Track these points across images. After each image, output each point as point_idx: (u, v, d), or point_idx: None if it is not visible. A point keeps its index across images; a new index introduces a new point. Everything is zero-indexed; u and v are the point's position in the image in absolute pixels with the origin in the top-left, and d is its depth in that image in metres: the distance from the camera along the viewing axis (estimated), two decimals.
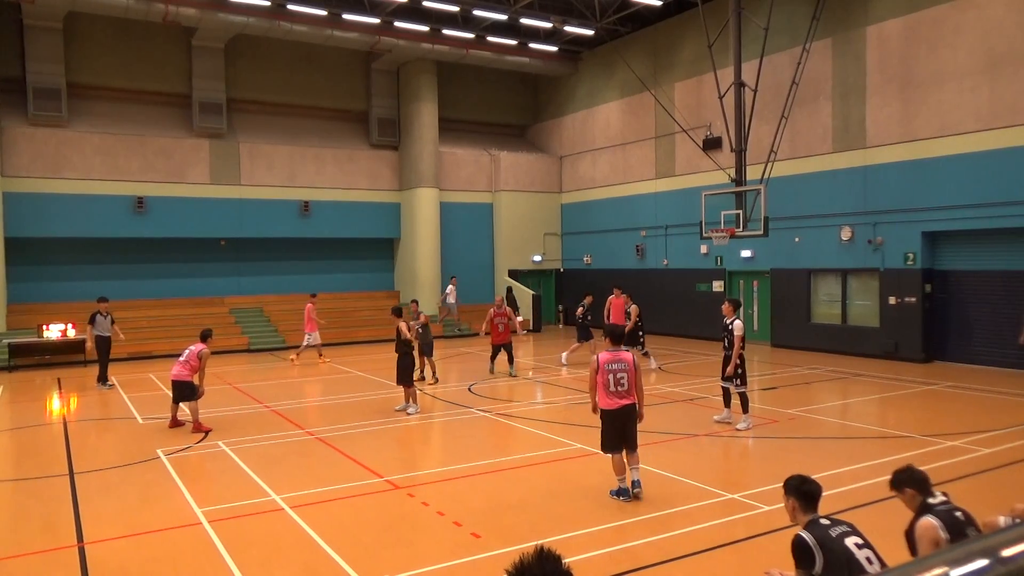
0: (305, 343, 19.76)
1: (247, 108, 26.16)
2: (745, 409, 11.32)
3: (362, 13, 23.32)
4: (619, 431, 7.93)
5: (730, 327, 11.32)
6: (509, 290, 27.36)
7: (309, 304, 19.97)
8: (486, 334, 17.57)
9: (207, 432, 11.47)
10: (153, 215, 23.53)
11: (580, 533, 7.02)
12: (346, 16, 23.39)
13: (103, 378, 16.31)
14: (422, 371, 15.88)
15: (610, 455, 8.04)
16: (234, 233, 24.99)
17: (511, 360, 17.18)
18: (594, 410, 8.20)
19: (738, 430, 11.14)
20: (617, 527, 7.17)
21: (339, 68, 27.33)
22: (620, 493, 7.98)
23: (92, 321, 16.29)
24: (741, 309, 11.95)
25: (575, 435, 10.93)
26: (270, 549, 6.78)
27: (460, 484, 8.75)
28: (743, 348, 11.29)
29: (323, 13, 22.96)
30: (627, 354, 8.06)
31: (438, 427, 12.60)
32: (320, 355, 19.92)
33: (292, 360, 19.76)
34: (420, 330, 15.65)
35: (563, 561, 2.31)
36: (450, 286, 25.75)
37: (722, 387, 11.63)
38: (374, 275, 28.42)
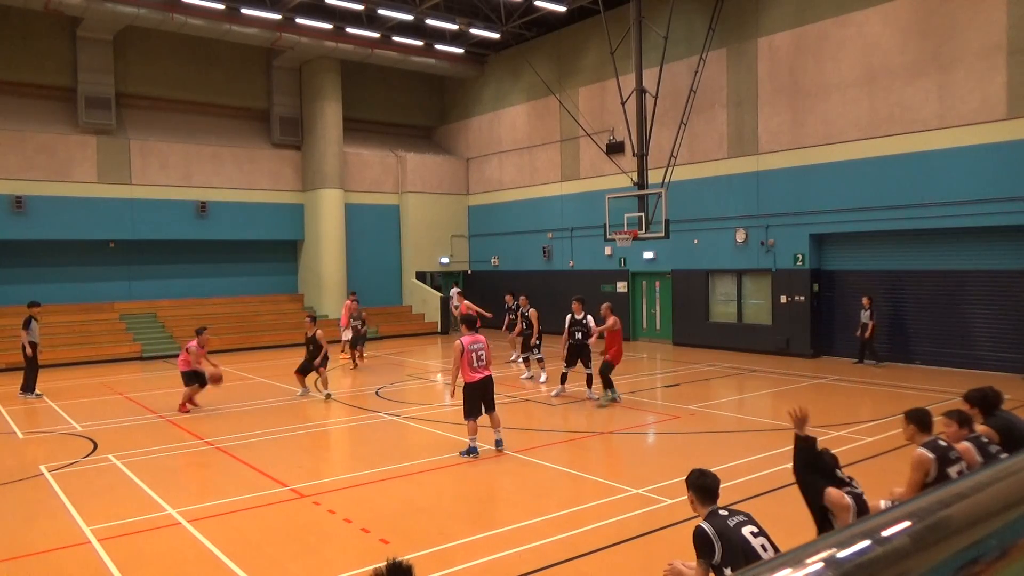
0: (344, 338, 19.87)
1: (138, 104, 24.89)
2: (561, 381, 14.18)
3: (262, 8, 22.62)
4: (480, 398, 9.79)
5: (583, 321, 13.66)
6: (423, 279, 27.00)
7: (347, 301, 20.02)
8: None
9: (186, 411, 13.30)
10: (33, 215, 22.02)
11: (490, 534, 7.04)
12: (245, 11, 22.63)
13: (31, 388, 15.27)
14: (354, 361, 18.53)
15: (469, 421, 9.78)
16: (124, 235, 23.71)
17: (606, 383, 13.34)
18: (452, 394, 10.16)
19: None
20: (526, 526, 7.23)
21: (239, 64, 26.40)
22: (470, 452, 9.76)
23: (27, 326, 15.17)
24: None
25: (483, 437, 10.94)
26: (167, 567, 6.48)
27: (367, 490, 8.61)
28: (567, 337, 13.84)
29: (220, 7, 22.10)
30: (481, 336, 10.07)
31: (344, 433, 12.36)
32: (343, 351, 19.93)
33: (345, 358, 19.83)
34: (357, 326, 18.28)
35: (413, 572, 2.40)
36: (454, 289, 26.16)
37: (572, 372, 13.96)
38: (276, 278, 27.59)
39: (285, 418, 12.84)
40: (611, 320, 13.31)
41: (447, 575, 6.09)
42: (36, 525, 7.57)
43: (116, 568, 6.37)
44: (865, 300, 17.11)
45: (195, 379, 13.48)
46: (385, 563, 2.47)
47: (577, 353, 13.63)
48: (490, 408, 9.96)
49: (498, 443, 10.03)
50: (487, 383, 9.88)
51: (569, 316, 13.68)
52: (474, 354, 9.78)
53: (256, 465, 9.70)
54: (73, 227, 22.72)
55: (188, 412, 13.33)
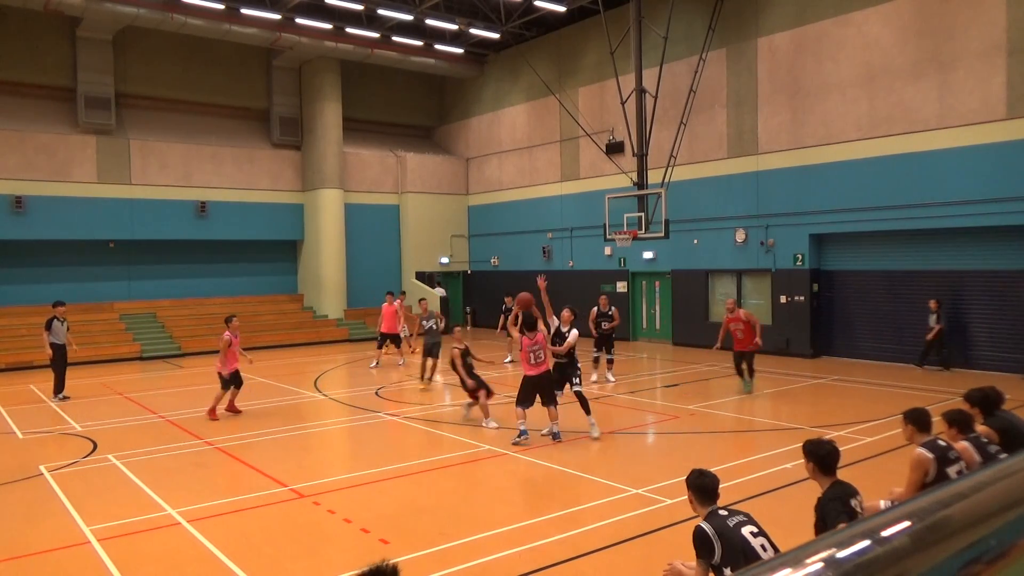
0: (403, 335, 19.75)
1: (138, 103, 24.89)
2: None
3: (262, 8, 22.62)
4: (534, 391, 10.49)
5: (564, 333, 11.15)
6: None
7: (398, 301, 19.80)
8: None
9: (215, 418, 12.48)
10: (33, 215, 22.02)
11: (490, 534, 7.03)
12: (245, 11, 22.63)
13: (59, 389, 14.96)
14: (423, 374, 16.13)
15: (518, 408, 10.50)
16: (124, 235, 23.71)
17: (751, 372, 14.17)
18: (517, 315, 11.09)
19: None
20: (526, 526, 7.23)
21: (238, 64, 26.39)
22: (521, 435, 10.37)
23: (48, 327, 14.89)
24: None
25: (484, 437, 10.95)
26: (167, 566, 6.48)
27: (367, 490, 8.61)
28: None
29: (220, 7, 22.11)
30: (540, 335, 10.56)
31: (345, 433, 12.36)
32: (384, 346, 19.76)
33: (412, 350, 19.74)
34: (431, 328, 16.55)
35: (399, 574, 2.37)
36: (439, 289, 27.33)
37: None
38: (276, 278, 27.58)
39: (285, 418, 12.84)
40: (743, 313, 14.05)
41: (447, 575, 6.09)
42: (36, 525, 7.57)
43: (116, 568, 6.37)
44: (932, 303, 16.20)
45: (233, 380, 12.65)
46: (368, 568, 2.45)
47: (561, 373, 11.12)
48: (547, 402, 10.49)
49: (556, 435, 10.51)
50: (543, 377, 10.50)
51: (556, 326, 11.26)
52: (531, 353, 10.51)
53: (256, 465, 9.71)
54: (73, 227, 22.71)
55: (217, 419, 12.42)
